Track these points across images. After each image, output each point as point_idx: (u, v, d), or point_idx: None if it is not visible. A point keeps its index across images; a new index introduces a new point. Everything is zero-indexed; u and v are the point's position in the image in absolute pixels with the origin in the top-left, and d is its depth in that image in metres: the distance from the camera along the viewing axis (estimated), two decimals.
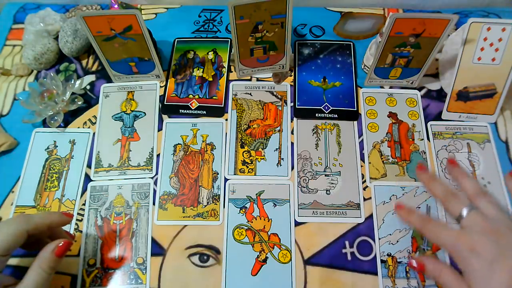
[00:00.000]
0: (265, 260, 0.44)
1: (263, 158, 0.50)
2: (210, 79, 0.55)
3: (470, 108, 0.50)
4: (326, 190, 0.48)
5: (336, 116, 0.52)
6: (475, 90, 0.48)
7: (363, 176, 0.48)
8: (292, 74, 0.55)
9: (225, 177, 0.49)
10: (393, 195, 0.47)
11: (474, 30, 0.46)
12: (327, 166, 0.49)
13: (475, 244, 0.34)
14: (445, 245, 0.37)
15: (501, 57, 0.46)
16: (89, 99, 0.54)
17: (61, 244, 0.36)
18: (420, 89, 0.54)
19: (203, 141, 0.51)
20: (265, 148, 0.50)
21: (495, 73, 0.47)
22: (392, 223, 0.46)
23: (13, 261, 0.44)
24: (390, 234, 0.45)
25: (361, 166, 0.49)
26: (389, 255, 0.44)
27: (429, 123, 0.51)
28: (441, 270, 0.37)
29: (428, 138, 0.51)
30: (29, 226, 0.36)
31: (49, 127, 0.51)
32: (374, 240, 0.45)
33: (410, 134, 0.51)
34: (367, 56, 0.55)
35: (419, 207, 0.46)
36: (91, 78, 0.56)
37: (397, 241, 0.45)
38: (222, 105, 0.53)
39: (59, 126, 0.52)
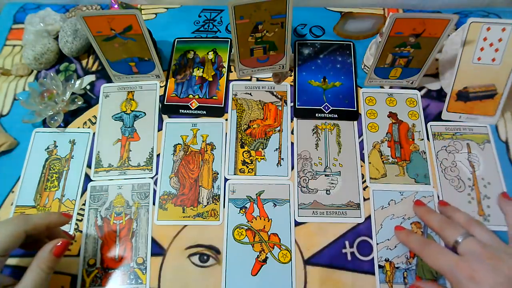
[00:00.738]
0: (265, 260, 0.44)
1: (263, 158, 0.50)
2: (210, 79, 0.55)
3: (471, 109, 0.50)
4: (326, 190, 0.48)
5: (336, 116, 0.52)
6: (475, 90, 0.48)
7: (363, 176, 0.48)
8: (292, 74, 0.55)
9: (225, 177, 0.49)
10: (392, 200, 0.47)
11: (474, 30, 0.46)
12: (327, 166, 0.49)
13: (474, 272, 0.35)
14: (443, 271, 0.37)
15: (501, 57, 0.46)
16: (89, 99, 0.54)
17: (59, 244, 0.36)
18: (420, 89, 0.54)
19: (203, 141, 0.51)
20: (265, 148, 0.50)
21: (495, 74, 0.47)
22: (390, 228, 0.45)
23: (12, 261, 0.44)
24: (388, 239, 0.45)
25: (361, 166, 0.49)
26: (387, 260, 0.44)
27: (429, 124, 0.51)
28: None
29: (428, 138, 0.51)
30: (27, 226, 0.36)
31: (49, 127, 0.51)
32: (374, 240, 0.45)
33: (410, 134, 0.51)
34: (367, 56, 0.55)
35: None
36: (91, 78, 0.56)
37: (395, 247, 0.45)
38: (222, 105, 0.53)
39: (59, 126, 0.52)
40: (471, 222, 0.40)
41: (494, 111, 0.49)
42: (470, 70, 0.48)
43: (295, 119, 0.52)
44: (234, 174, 0.49)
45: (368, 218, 0.46)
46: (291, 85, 0.54)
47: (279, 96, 0.54)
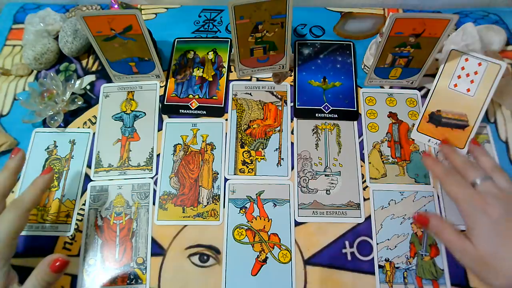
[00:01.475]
0: (265, 260, 0.44)
1: (263, 158, 0.50)
2: (210, 79, 0.55)
3: (441, 135, 0.49)
4: (326, 190, 0.48)
5: (336, 116, 0.52)
6: (447, 116, 0.48)
7: (363, 176, 0.48)
8: (292, 74, 0.55)
9: (225, 177, 0.49)
10: (392, 200, 0.47)
11: (454, 57, 0.48)
12: (327, 166, 0.49)
13: (487, 205, 0.37)
14: (459, 200, 0.39)
15: (475, 90, 0.47)
16: (89, 99, 0.54)
17: (58, 264, 0.36)
18: (420, 89, 0.54)
19: (203, 141, 0.51)
20: (265, 148, 0.50)
21: (469, 104, 0.48)
22: (390, 228, 0.45)
23: (12, 261, 0.44)
24: (388, 239, 0.45)
25: (361, 166, 0.49)
26: (387, 260, 0.44)
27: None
28: (444, 227, 0.40)
29: None
30: (26, 205, 0.38)
31: (49, 127, 0.51)
32: (374, 240, 0.45)
33: (410, 134, 0.51)
34: (367, 56, 0.55)
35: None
36: (91, 78, 0.56)
37: (395, 246, 0.45)
38: (222, 105, 0.53)
39: (59, 126, 0.52)
40: (495, 169, 0.41)
41: (464, 144, 0.48)
42: (445, 94, 0.49)
43: (295, 119, 0.52)
44: (234, 174, 0.49)
45: (368, 218, 0.46)
46: (291, 85, 0.54)
47: (279, 96, 0.54)
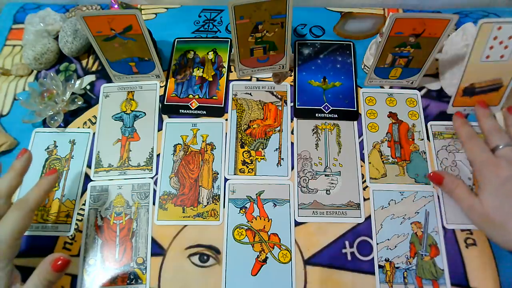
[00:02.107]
0: (265, 260, 0.44)
1: (263, 158, 0.50)
2: (210, 79, 0.55)
3: (475, 102, 0.50)
4: (326, 190, 0.48)
5: (336, 116, 0.52)
6: (481, 85, 0.48)
7: (363, 176, 0.48)
8: (292, 74, 0.55)
9: (225, 177, 0.49)
10: (392, 200, 0.47)
11: (485, 30, 0.46)
12: (327, 166, 0.49)
13: (500, 169, 0.40)
14: (475, 162, 0.43)
15: (510, 53, 0.46)
16: (89, 99, 0.54)
17: (59, 263, 0.36)
18: (420, 89, 0.54)
19: (203, 141, 0.51)
20: (265, 148, 0.50)
21: (502, 69, 0.47)
22: (390, 228, 0.45)
23: (14, 261, 0.44)
24: (388, 239, 0.45)
25: (361, 166, 0.49)
26: (387, 260, 0.44)
27: (429, 123, 0.51)
28: (457, 184, 0.43)
29: (428, 138, 0.51)
30: (30, 205, 0.38)
31: (49, 127, 0.51)
32: (374, 240, 0.45)
33: (410, 134, 0.51)
34: (367, 56, 0.55)
35: (418, 212, 0.46)
36: (91, 78, 0.56)
37: (395, 246, 0.45)
38: (222, 105, 0.53)
39: (59, 126, 0.52)
40: None
41: (498, 101, 0.49)
42: (478, 68, 0.48)
43: (295, 119, 0.52)
44: (234, 174, 0.49)
45: (368, 218, 0.46)
46: (291, 85, 0.54)
47: (279, 96, 0.54)
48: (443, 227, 0.45)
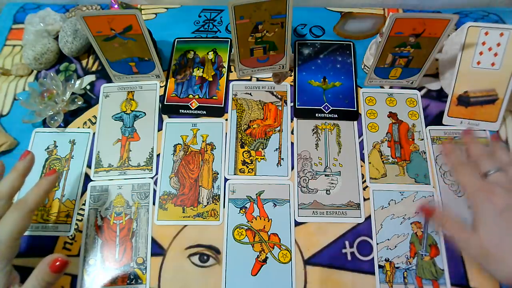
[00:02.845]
0: (265, 260, 0.44)
1: (263, 158, 0.50)
2: (210, 79, 0.55)
3: (472, 114, 0.49)
4: (326, 190, 0.48)
5: (336, 116, 0.52)
6: (475, 95, 0.48)
7: (363, 176, 0.48)
8: (292, 74, 0.55)
9: (225, 177, 0.49)
10: (392, 200, 0.47)
11: (472, 34, 0.46)
12: (327, 166, 0.49)
13: (493, 194, 0.38)
14: (467, 188, 0.40)
15: (501, 62, 0.46)
16: (89, 99, 0.54)
17: (57, 263, 0.35)
18: (420, 89, 0.54)
19: (203, 141, 0.51)
20: (265, 148, 0.50)
21: (495, 78, 0.47)
22: (390, 228, 0.45)
23: (13, 261, 0.44)
24: (388, 239, 0.45)
25: (361, 166, 0.49)
26: (387, 260, 0.44)
27: (427, 128, 0.51)
28: (447, 218, 0.41)
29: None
30: (29, 206, 0.38)
31: (49, 127, 0.51)
32: (374, 240, 0.45)
33: (410, 134, 0.51)
34: (367, 56, 0.55)
35: (418, 212, 0.46)
36: (91, 78, 0.56)
37: (395, 247, 0.45)
38: (222, 105, 0.53)
39: (59, 126, 0.52)
40: (510, 163, 0.41)
41: (496, 116, 0.48)
42: (469, 74, 0.48)
43: (295, 119, 0.52)
44: (234, 174, 0.49)
45: (368, 218, 0.46)
46: (291, 85, 0.54)
47: (279, 96, 0.54)
48: None
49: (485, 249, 0.36)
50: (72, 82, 0.52)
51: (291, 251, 0.45)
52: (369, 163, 0.49)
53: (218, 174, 0.49)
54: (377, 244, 0.45)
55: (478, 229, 0.37)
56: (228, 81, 0.55)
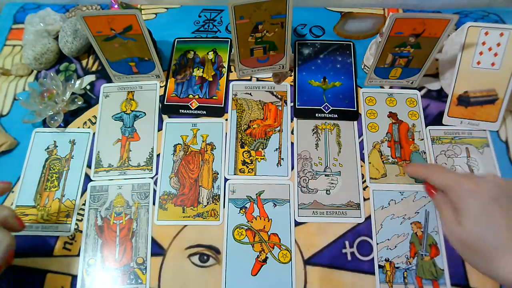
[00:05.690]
0: (265, 260, 0.44)
1: (263, 158, 0.50)
2: (210, 79, 0.55)
3: (472, 114, 0.49)
4: (326, 190, 0.48)
5: (336, 116, 0.52)
6: (475, 95, 0.47)
7: (363, 176, 0.48)
8: (292, 74, 0.55)
9: (225, 177, 0.49)
10: (392, 200, 0.47)
11: (472, 34, 0.46)
12: (327, 166, 0.49)
13: (477, 186, 0.36)
14: (448, 183, 0.38)
15: (501, 62, 0.46)
16: (89, 99, 0.54)
17: None
18: (420, 89, 0.54)
19: (203, 141, 0.51)
20: (265, 148, 0.50)
21: (495, 78, 0.47)
22: (390, 228, 0.45)
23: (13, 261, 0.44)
24: (388, 239, 0.45)
25: (361, 166, 0.49)
26: (387, 260, 0.44)
27: (427, 128, 0.51)
28: (444, 204, 0.39)
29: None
30: None
31: (49, 127, 0.51)
32: (374, 240, 0.45)
33: (410, 134, 0.51)
34: (367, 56, 0.55)
35: (418, 212, 0.46)
36: (91, 78, 0.56)
37: (395, 246, 0.45)
38: (222, 105, 0.53)
39: (59, 126, 0.52)
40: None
41: (496, 117, 0.48)
42: (469, 74, 0.48)
43: (295, 119, 0.52)
44: (234, 174, 0.49)
45: (368, 218, 0.46)
46: (291, 85, 0.54)
47: (279, 96, 0.54)
48: None
49: (467, 242, 0.36)
50: (72, 82, 0.52)
51: (291, 251, 0.45)
52: (369, 163, 0.49)
53: (218, 174, 0.49)
54: (377, 244, 0.45)
55: (462, 222, 0.37)
56: (228, 81, 0.55)
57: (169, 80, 0.55)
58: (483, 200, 0.36)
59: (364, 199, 0.47)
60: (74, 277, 0.44)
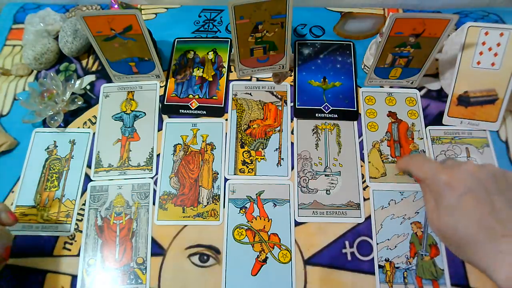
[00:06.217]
0: (265, 260, 0.44)
1: (263, 158, 0.50)
2: (210, 79, 0.55)
3: (472, 114, 0.49)
4: (326, 190, 0.48)
5: (336, 116, 0.52)
6: (475, 95, 0.47)
7: (363, 176, 0.48)
8: (292, 74, 0.55)
9: (225, 177, 0.49)
10: (392, 199, 0.47)
11: (472, 34, 0.46)
12: (327, 166, 0.49)
13: (452, 178, 0.35)
14: (426, 175, 0.38)
15: (501, 62, 0.46)
16: (89, 99, 0.54)
17: None
18: (420, 89, 0.54)
19: (203, 141, 0.51)
20: (265, 148, 0.50)
21: (495, 78, 0.47)
22: (390, 228, 0.45)
23: (12, 261, 0.44)
24: (388, 239, 0.45)
25: (361, 166, 0.49)
26: (387, 260, 0.44)
27: (427, 128, 0.51)
28: (427, 191, 0.38)
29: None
30: None
31: (49, 127, 0.51)
32: (374, 240, 0.45)
33: (410, 133, 0.51)
34: (367, 56, 0.55)
35: (418, 212, 0.46)
36: (91, 78, 0.56)
37: (395, 246, 0.45)
38: (222, 105, 0.53)
39: (59, 126, 0.52)
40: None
41: (496, 117, 0.48)
42: (469, 74, 0.48)
43: (295, 119, 0.52)
44: (234, 174, 0.49)
45: (368, 218, 0.46)
46: (291, 85, 0.54)
47: (279, 96, 0.54)
48: None
49: (445, 233, 0.36)
50: (72, 82, 0.52)
51: (291, 251, 0.45)
52: (369, 162, 0.49)
53: (218, 174, 0.49)
54: (377, 244, 0.45)
55: (439, 212, 0.36)
56: (228, 81, 0.55)
57: (169, 80, 0.55)
58: (458, 192, 0.35)
59: (364, 199, 0.47)
60: (74, 277, 0.44)
